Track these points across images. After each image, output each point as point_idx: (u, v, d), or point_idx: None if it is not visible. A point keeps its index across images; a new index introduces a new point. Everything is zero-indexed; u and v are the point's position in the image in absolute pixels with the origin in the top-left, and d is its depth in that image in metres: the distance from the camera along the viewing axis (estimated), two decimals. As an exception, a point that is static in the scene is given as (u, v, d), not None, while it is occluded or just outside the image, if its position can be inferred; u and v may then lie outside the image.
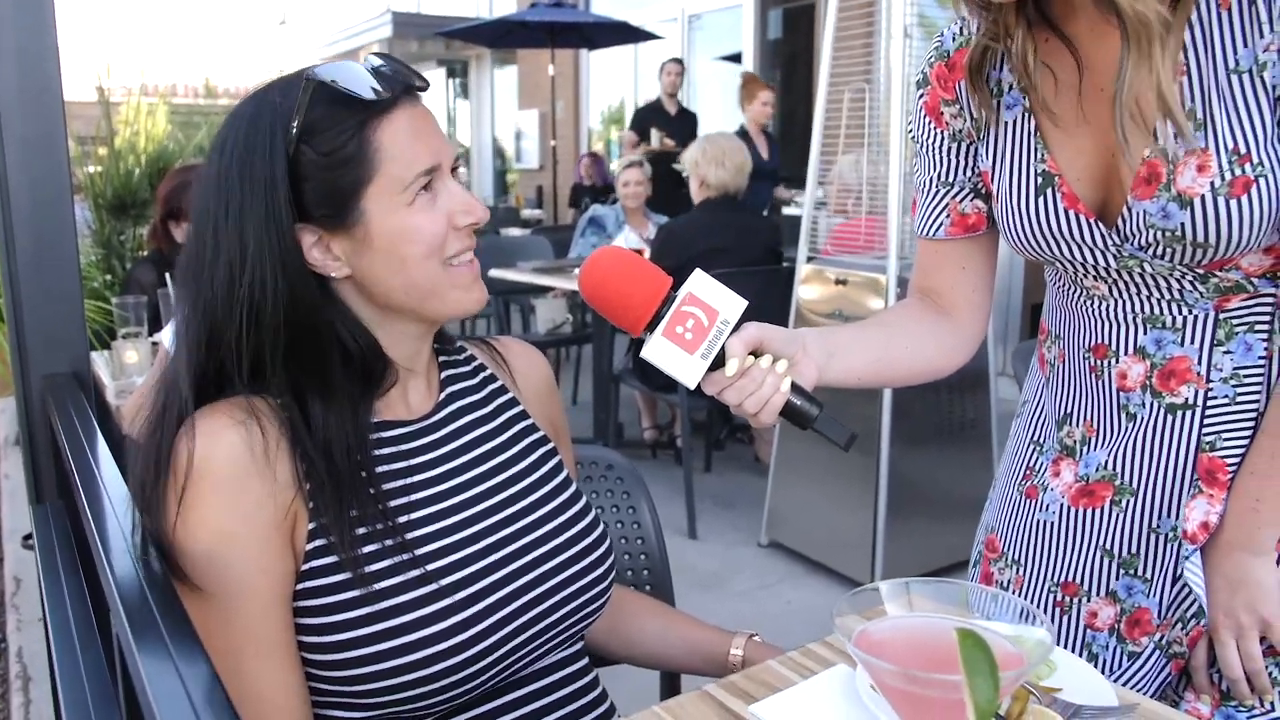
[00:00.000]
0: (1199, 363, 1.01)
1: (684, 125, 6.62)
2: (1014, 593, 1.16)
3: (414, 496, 0.96)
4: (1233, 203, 0.91)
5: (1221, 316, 1.00)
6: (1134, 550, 1.08)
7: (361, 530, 0.91)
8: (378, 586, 0.89)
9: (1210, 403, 1.02)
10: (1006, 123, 1.07)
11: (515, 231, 7.38)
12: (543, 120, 11.14)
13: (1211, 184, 0.91)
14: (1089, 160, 1.01)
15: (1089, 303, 1.08)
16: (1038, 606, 1.14)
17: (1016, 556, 1.18)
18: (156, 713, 0.64)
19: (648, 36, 7.92)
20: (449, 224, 0.94)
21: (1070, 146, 1.02)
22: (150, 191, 4.70)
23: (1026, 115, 1.05)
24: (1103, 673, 1.05)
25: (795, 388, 0.94)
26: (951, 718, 0.58)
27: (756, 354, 0.93)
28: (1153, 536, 1.06)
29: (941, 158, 1.15)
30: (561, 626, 1.01)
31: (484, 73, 13.30)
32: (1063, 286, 1.12)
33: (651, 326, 0.91)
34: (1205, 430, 1.02)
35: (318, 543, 0.89)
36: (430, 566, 0.92)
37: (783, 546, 3.49)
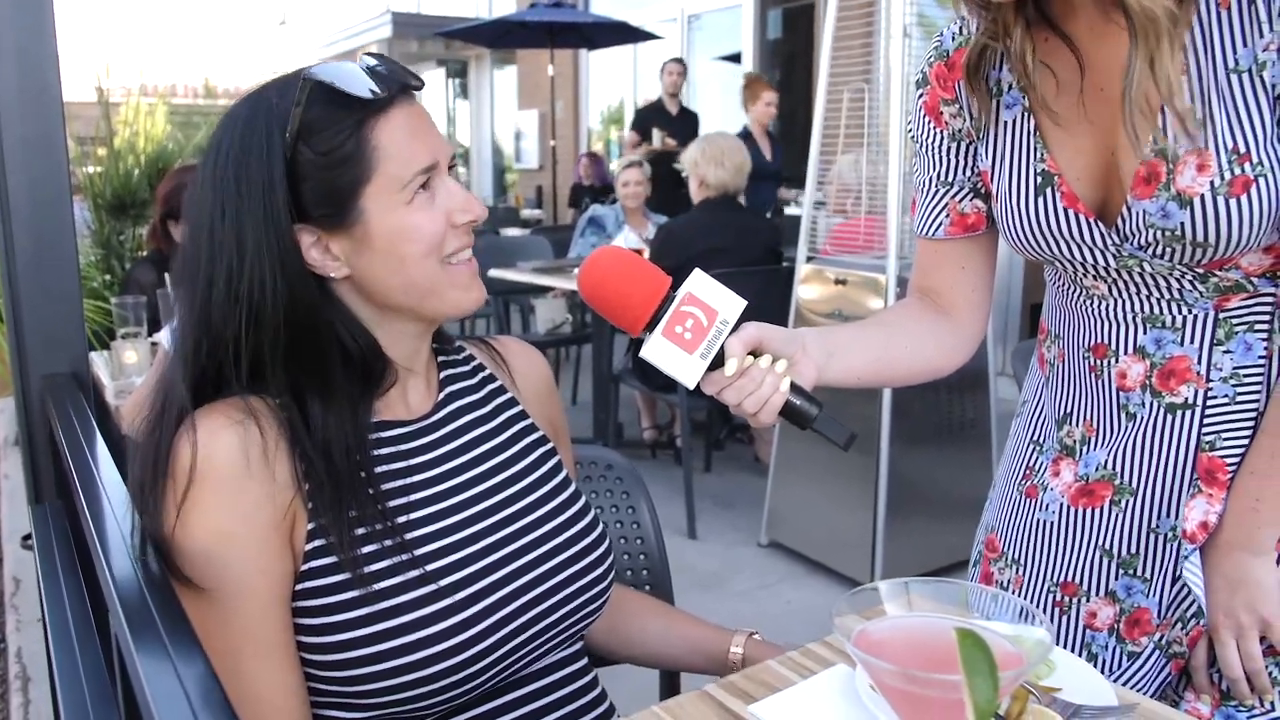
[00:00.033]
0: (1199, 362, 1.01)
1: (686, 125, 6.62)
2: (1014, 592, 1.16)
3: (413, 497, 0.96)
4: (1232, 202, 0.91)
5: (1221, 316, 1.00)
6: (1133, 550, 1.08)
7: (361, 530, 0.90)
8: (377, 587, 0.89)
9: (1210, 402, 1.01)
10: (1006, 122, 1.07)
11: (515, 231, 7.38)
12: (542, 120, 11.13)
13: (1211, 183, 0.91)
14: (1089, 160, 1.01)
15: (1089, 302, 1.08)
16: (1037, 606, 1.13)
17: (1016, 556, 1.18)
18: (154, 713, 0.64)
19: (647, 36, 7.92)
20: (448, 222, 0.94)
21: (1070, 146, 1.02)
22: (149, 192, 4.70)
23: (1026, 115, 1.05)
24: (1102, 673, 1.05)
25: (794, 387, 0.94)
26: (951, 717, 0.58)
27: (756, 354, 0.93)
28: (1152, 536, 1.06)
29: (941, 157, 1.15)
30: (561, 626, 1.01)
31: (483, 73, 13.30)
32: (1062, 286, 1.12)
33: (650, 326, 0.91)
34: (1205, 430, 1.02)
35: (317, 543, 0.89)
36: (429, 567, 0.92)
37: (782, 546, 3.49)
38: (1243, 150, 0.91)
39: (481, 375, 1.10)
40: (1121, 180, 0.98)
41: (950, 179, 1.14)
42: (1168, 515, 1.05)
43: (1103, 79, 0.98)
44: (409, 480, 0.96)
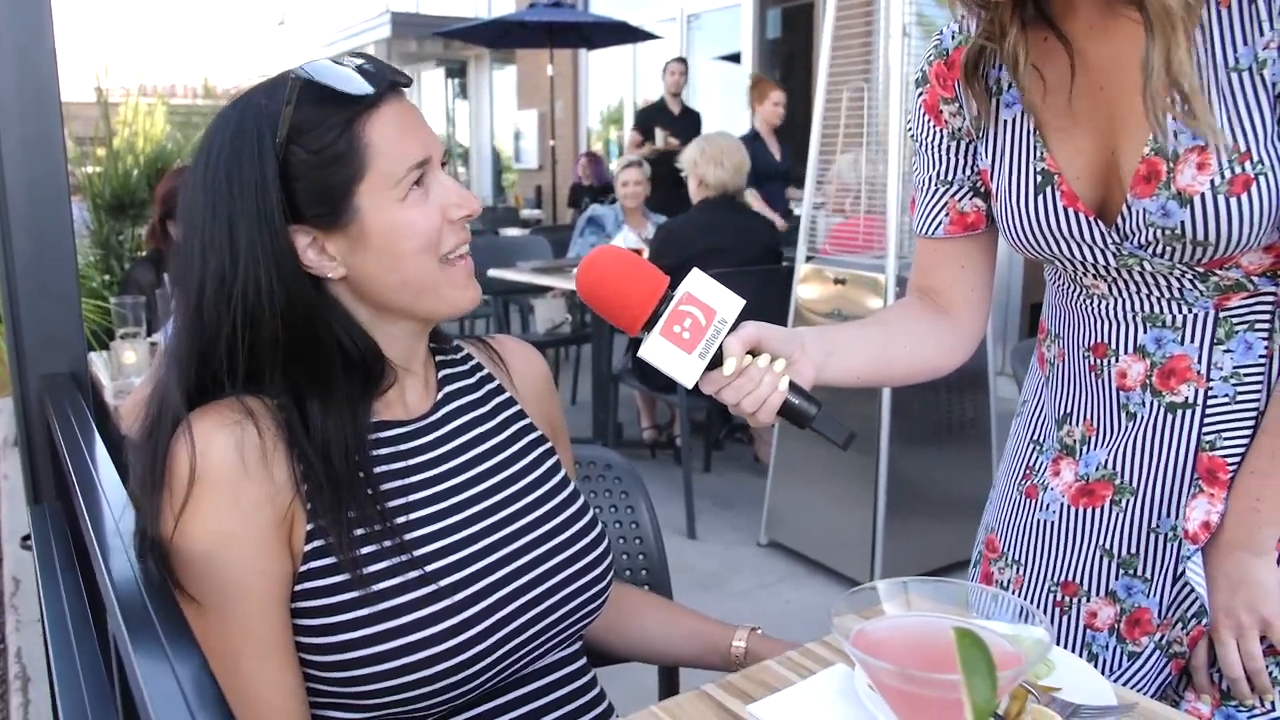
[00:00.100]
0: (1199, 361, 1.01)
1: (688, 125, 6.63)
2: (1014, 592, 1.16)
3: (412, 497, 0.95)
4: (1232, 201, 0.91)
5: (1221, 315, 1.00)
6: (1134, 550, 1.08)
7: (360, 531, 0.90)
8: (376, 587, 0.89)
9: (1210, 402, 1.01)
10: (1005, 121, 1.06)
11: (514, 231, 7.37)
12: (542, 120, 11.13)
13: (1211, 182, 0.91)
14: (1089, 159, 1.01)
15: (1089, 301, 1.08)
16: (1037, 606, 1.13)
17: (1016, 556, 1.18)
18: (152, 713, 0.63)
19: (646, 36, 7.92)
20: (443, 217, 0.94)
21: (1069, 145, 1.02)
22: (148, 192, 4.70)
23: (1025, 114, 1.05)
24: (1103, 673, 1.05)
25: (793, 387, 0.94)
26: (949, 717, 0.58)
27: (754, 353, 0.93)
28: (1153, 536, 1.06)
29: (941, 156, 1.14)
30: (560, 626, 1.01)
31: (483, 73, 13.30)
32: (1062, 285, 1.12)
33: (649, 326, 0.91)
34: (1205, 429, 1.02)
35: (316, 544, 0.89)
36: (429, 567, 0.92)
37: (782, 546, 3.49)
38: (1243, 149, 0.90)
39: (480, 375, 1.10)
40: (1121, 179, 0.98)
41: (950, 178, 1.14)
42: (1168, 515, 1.05)
43: (1102, 77, 0.98)
44: (408, 480, 0.96)
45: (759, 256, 3.92)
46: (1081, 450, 1.12)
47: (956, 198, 1.14)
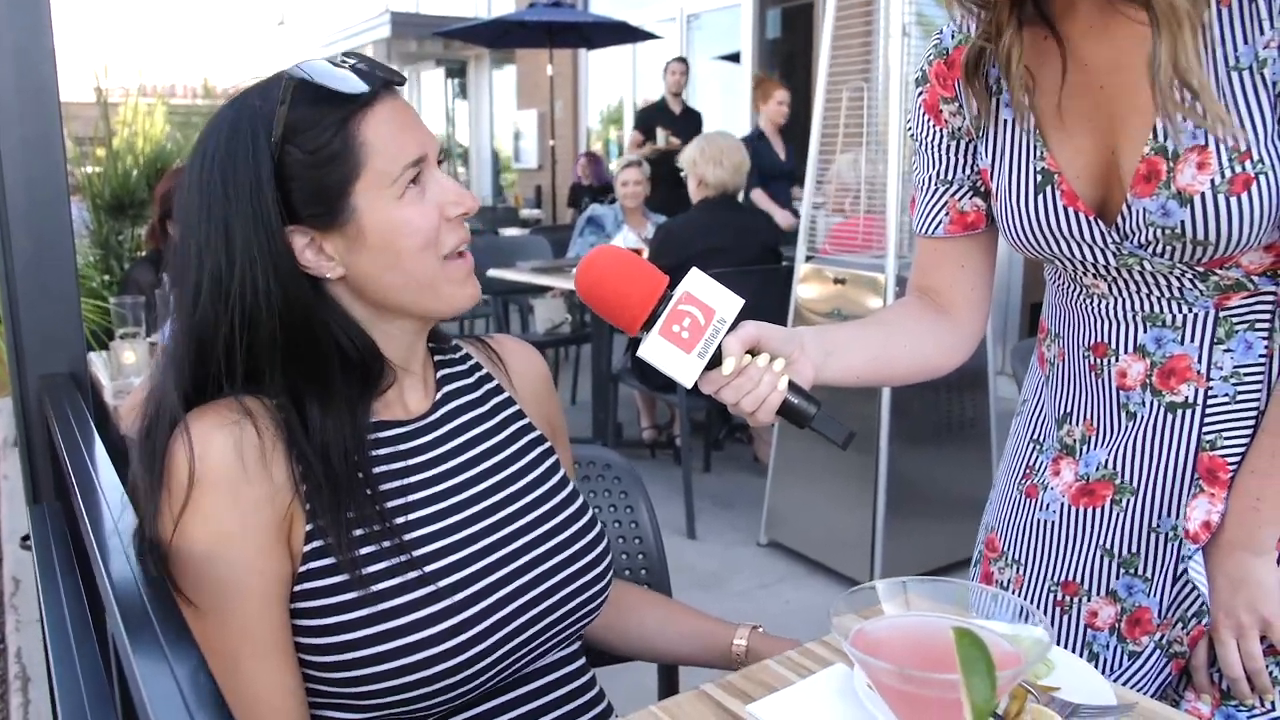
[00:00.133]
0: (1199, 361, 1.01)
1: (689, 124, 6.63)
2: (1014, 592, 1.16)
3: (411, 497, 0.95)
4: (1233, 200, 0.91)
5: (1222, 314, 1.00)
6: (1134, 549, 1.07)
7: (359, 532, 0.90)
8: (376, 588, 0.89)
9: (1210, 401, 1.01)
10: (1005, 120, 1.06)
11: (514, 231, 7.37)
12: (541, 120, 11.13)
13: (1211, 181, 0.91)
14: (1088, 158, 1.01)
15: (1089, 301, 1.08)
16: (1038, 606, 1.13)
17: (1016, 556, 1.18)
18: (150, 713, 0.63)
19: (646, 36, 7.92)
20: (440, 215, 0.94)
21: (1069, 145, 1.02)
22: (148, 192, 4.70)
23: (1026, 113, 1.04)
24: (1103, 672, 1.05)
25: (793, 386, 0.94)
26: (949, 717, 0.58)
27: (754, 353, 0.93)
28: (1153, 536, 1.06)
29: (941, 155, 1.14)
30: (560, 626, 1.01)
31: (482, 73, 13.30)
32: (1062, 285, 1.12)
33: (648, 325, 0.91)
34: (1206, 429, 1.02)
35: (315, 544, 0.89)
36: (428, 568, 0.92)
37: (782, 546, 3.49)
38: (1243, 148, 0.90)
39: (479, 375, 1.10)
40: (1121, 178, 0.98)
41: (950, 177, 1.14)
42: (1169, 514, 1.05)
43: (1102, 77, 0.98)
44: (407, 481, 0.96)
45: (758, 256, 3.92)
46: (1082, 450, 1.12)
47: (956, 197, 1.14)
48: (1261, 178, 0.90)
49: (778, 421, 0.95)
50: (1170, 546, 1.05)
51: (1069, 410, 1.13)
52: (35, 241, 1.63)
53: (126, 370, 2.45)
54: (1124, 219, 0.98)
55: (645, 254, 3.90)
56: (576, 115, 10.70)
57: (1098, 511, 1.09)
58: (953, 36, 1.11)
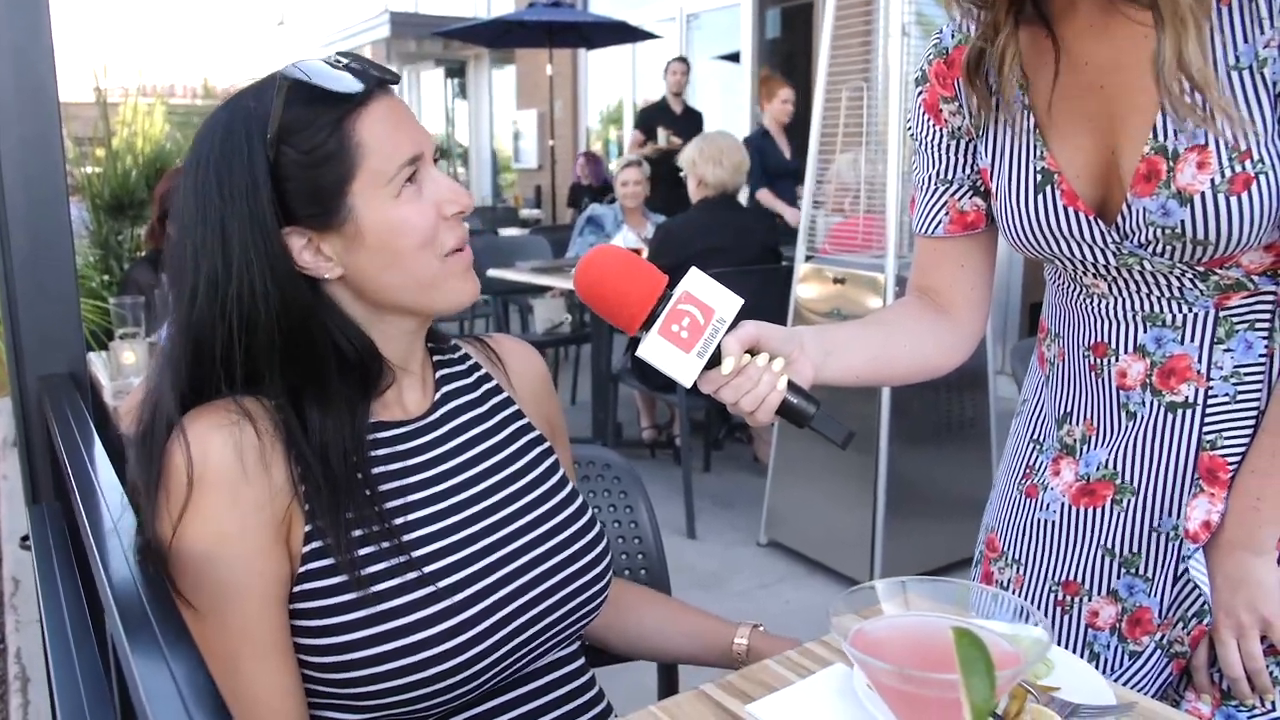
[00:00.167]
0: (1199, 361, 1.01)
1: (690, 124, 6.63)
2: (1014, 592, 1.16)
3: (410, 498, 0.95)
4: (1233, 200, 0.91)
5: (1222, 314, 1.00)
6: (1135, 549, 1.07)
7: (358, 533, 0.90)
8: (375, 589, 0.89)
9: (1210, 401, 1.01)
10: (1006, 120, 1.06)
11: (513, 231, 7.37)
12: (541, 120, 11.13)
13: (1211, 181, 0.91)
14: (1088, 158, 1.01)
15: (1089, 301, 1.08)
16: (1038, 606, 1.13)
17: (1017, 556, 1.18)
18: (150, 714, 0.63)
19: (646, 36, 7.92)
20: (438, 214, 0.94)
21: (1069, 144, 1.02)
22: (148, 192, 4.69)
23: (1026, 113, 1.04)
24: (1104, 672, 1.05)
25: (792, 386, 0.94)
26: (948, 717, 0.58)
27: (753, 352, 0.93)
28: (1154, 535, 1.06)
29: (941, 155, 1.14)
30: (559, 626, 1.01)
31: (482, 73, 13.29)
32: (1062, 284, 1.12)
33: (647, 325, 0.91)
34: (1206, 429, 1.02)
35: (314, 545, 0.89)
36: (427, 568, 0.92)
37: (782, 546, 3.49)
38: (1243, 147, 0.90)
39: (478, 375, 1.10)
40: (1121, 178, 0.98)
41: (950, 177, 1.14)
42: (1169, 514, 1.05)
43: (1102, 76, 0.98)
44: (406, 481, 0.96)
45: (758, 256, 3.92)
46: (1082, 450, 1.12)
47: (956, 197, 1.14)
48: (1261, 177, 0.90)
49: (777, 421, 0.95)
50: (1171, 546, 1.05)
51: (1069, 410, 1.13)
52: (34, 241, 1.63)
53: (126, 370, 2.45)
54: (1124, 218, 0.98)
55: (645, 254, 3.90)
56: (576, 115, 10.70)
57: (1098, 511, 1.09)
58: (952, 36, 1.11)
